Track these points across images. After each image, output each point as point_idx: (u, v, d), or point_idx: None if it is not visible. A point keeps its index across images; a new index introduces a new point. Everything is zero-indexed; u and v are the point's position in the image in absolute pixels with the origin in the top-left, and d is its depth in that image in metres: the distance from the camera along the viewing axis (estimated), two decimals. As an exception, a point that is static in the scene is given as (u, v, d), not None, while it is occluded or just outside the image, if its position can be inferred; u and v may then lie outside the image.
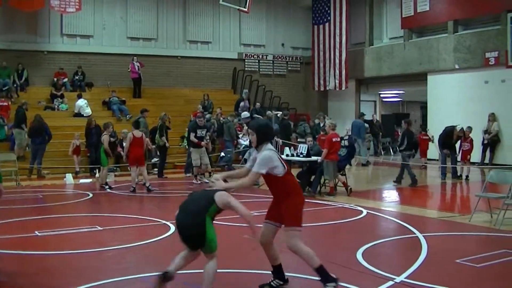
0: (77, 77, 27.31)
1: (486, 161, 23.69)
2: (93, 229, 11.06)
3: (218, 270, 6.59)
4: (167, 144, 20.88)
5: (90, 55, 28.02)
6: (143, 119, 21.92)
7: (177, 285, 6.96)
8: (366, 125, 27.30)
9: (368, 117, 30.18)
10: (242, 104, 28.07)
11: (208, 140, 20.20)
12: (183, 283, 7.30)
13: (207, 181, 17.88)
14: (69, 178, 19.34)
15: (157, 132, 20.88)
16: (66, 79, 26.89)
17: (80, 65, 27.51)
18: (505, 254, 8.90)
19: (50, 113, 24.69)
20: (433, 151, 24.31)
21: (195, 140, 18.36)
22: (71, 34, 27.72)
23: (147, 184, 16.84)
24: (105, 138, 17.81)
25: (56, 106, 25.60)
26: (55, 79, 26.54)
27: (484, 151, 23.77)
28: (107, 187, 17.48)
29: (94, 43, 28.24)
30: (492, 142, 23.66)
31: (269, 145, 6.98)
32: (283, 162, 6.94)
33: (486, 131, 23.66)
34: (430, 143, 23.70)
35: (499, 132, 23.66)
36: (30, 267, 7.77)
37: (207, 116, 25.77)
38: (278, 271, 7.12)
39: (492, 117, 23.69)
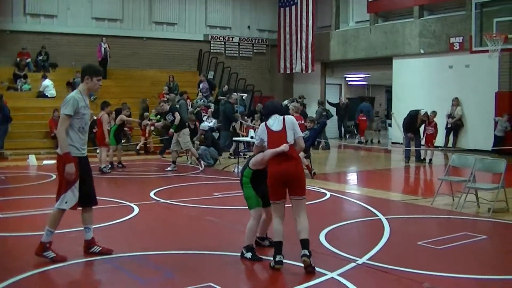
0: (40, 58, 26.92)
1: (450, 145, 23.98)
2: (56, 210, 10.96)
3: (179, 252, 6.57)
4: None
5: (54, 35, 27.61)
6: (183, 101, 23.12)
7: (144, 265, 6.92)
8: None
9: (335, 100, 30.51)
10: (202, 85, 28.06)
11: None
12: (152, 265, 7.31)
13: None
14: (32, 159, 19.11)
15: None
16: (29, 60, 26.50)
17: (44, 45, 27.08)
18: (465, 237, 9.02)
19: (13, 93, 24.38)
20: (397, 134, 24.55)
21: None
22: (34, 13, 27.30)
23: (102, 166, 16.81)
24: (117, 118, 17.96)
25: (19, 87, 25.27)
26: (18, 59, 26.15)
27: (447, 135, 24.07)
28: (109, 166, 17.44)
29: (58, 23, 27.84)
30: (456, 126, 23.95)
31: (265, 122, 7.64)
32: (271, 132, 7.47)
33: (450, 116, 23.93)
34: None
35: (462, 117, 23.93)
36: (-8, 248, 7.70)
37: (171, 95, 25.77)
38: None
39: (456, 102, 23.95)
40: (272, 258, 7.20)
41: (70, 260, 7.48)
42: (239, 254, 7.62)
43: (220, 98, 26.86)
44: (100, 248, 7.76)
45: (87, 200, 7.66)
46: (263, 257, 7.55)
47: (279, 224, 7.32)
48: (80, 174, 7.44)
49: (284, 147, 7.21)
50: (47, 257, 7.40)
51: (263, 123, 7.68)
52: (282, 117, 7.53)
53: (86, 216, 7.76)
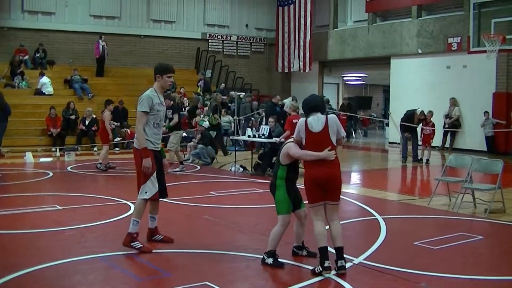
0: (38, 55, 26.86)
1: (447, 145, 24.01)
2: (52, 208, 10.95)
3: (175, 251, 6.55)
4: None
5: (52, 32, 27.60)
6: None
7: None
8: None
9: (333, 99, 30.56)
10: (199, 83, 28.15)
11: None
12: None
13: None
14: (29, 157, 19.07)
15: (211, 111, 21.82)
16: (27, 57, 26.46)
17: (42, 43, 27.03)
18: (462, 237, 9.02)
19: (10, 90, 24.30)
20: (394, 134, 24.55)
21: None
22: (32, 10, 27.26)
23: (98, 162, 16.83)
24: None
25: (16, 84, 25.21)
26: (16, 56, 26.09)
27: (444, 136, 24.09)
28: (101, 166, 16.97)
29: (56, 20, 27.80)
30: (453, 127, 23.94)
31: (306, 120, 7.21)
32: (309, 132, 7.13)
33: (447, 116, 23.93)
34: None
35: (459, 117, 23.94)
36: (-13, 246, 7.68)
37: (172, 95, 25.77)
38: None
39: (453, 102, 23.97)
40: (312, 267, 7.14)
41: (64, 258, 7.46)
42: (261, 258, 7.45)
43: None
44: (162, 237, 8.29)
45: (161, 191, 8.11)
46: (298, 263, 7.50)
47: (322, 228, 7.12)
48: (157, 166, 7.93)
49: (327, 154, 7.05)
50: (135, 247, 7.78)
51: (303, 120, 7.26)
52: (324, 117, 7.19)
53: (155, 206, 8.26)
